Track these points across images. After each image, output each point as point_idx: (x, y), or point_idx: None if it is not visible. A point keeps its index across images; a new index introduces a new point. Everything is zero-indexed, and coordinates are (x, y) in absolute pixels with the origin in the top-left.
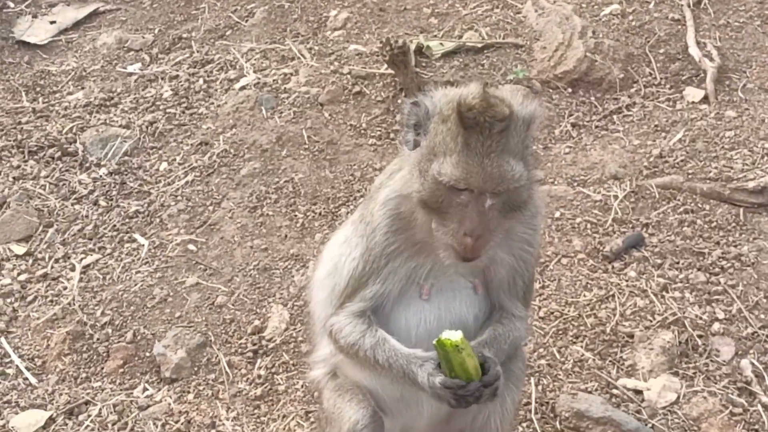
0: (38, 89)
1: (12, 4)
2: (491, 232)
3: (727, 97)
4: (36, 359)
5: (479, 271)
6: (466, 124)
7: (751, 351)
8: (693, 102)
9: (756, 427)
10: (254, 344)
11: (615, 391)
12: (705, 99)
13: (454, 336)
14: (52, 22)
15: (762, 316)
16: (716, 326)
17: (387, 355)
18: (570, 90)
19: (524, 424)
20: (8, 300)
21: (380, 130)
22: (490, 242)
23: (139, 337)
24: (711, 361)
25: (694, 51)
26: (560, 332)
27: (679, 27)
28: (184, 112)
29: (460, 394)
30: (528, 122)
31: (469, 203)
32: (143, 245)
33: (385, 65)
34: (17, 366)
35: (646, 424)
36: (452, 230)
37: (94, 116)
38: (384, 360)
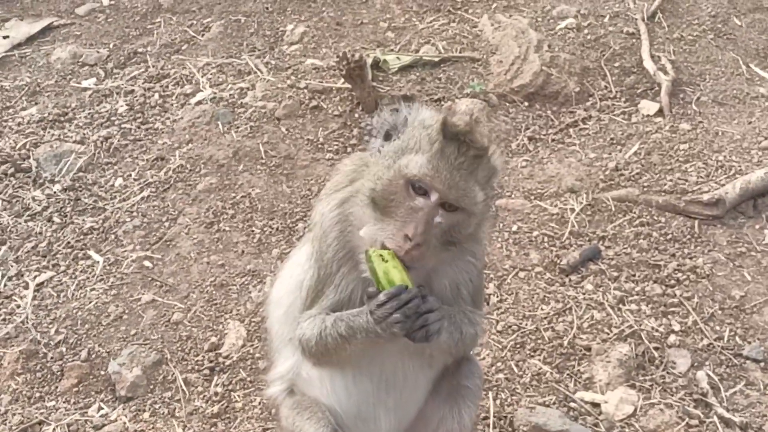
0: None
1: None
2: (427, 248)
3: (681, 110)
4: None
5: (424, 283)
6: (447, 135)
7: (707, 363)
8: (648, 115)
9: None
10: (211, 361)
11: (573, 405)
12: (660, 112)
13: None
14: (5, 37)
15: (717, 327)
16: (672, 338)
17: (345, 323)
18: (526, 103)
19: None
20: None
21: (337, 145)
22: (424, 257)
23: (93, 356)
24: (667, 373)
25: (648, 64)
26: (518, 346)
27: (634, 41)
28: (139, 128)
29: (394, 305)
30: (493, 170)
31: (420, 210)
32: (98, 262)
33: (342, 79)
34: None
35: None
36: (393, 230)
37: (48, 132)
38: (345, 328)
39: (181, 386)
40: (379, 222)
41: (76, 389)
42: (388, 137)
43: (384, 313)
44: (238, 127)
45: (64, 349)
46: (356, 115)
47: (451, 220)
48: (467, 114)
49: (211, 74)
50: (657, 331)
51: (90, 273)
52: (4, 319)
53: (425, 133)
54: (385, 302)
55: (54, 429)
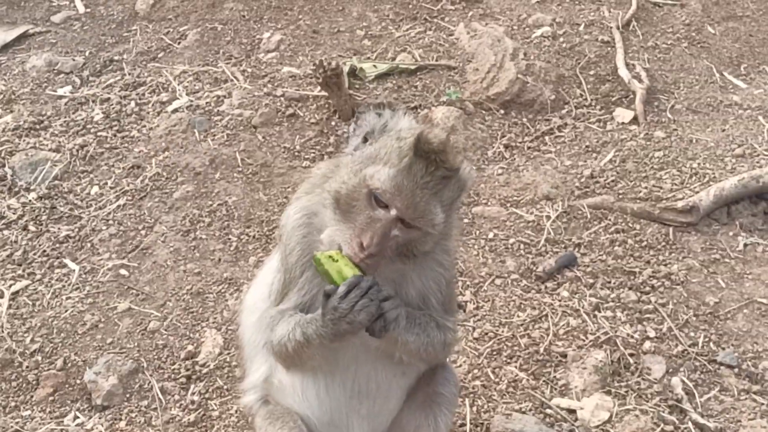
0: None
1: None
2: (382, 258)
3: (656, 118)
4: None
5: (392, 289)
6: (418, 152)
7: (682, 369)
8: (623, 123)
9: None
10: (187, 369)
11: (549, 411)
12: (635, 120)
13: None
14: None
15: (692, 334)
16: (647, 345)
17: (301, 328)
18: (502, 111)
19: None
20: None
21: (314, 153)
22: (377, 266)
23: (69, 365)
24: (642, 379)
25: (623, 72)
26: (494, 353)
27: (609, 49)
28: (115, 135)
29: (357, 293)
30: (462, 187)
31: (379, 221)
32: (74, 270)
33: (319, 87)
34: None
35: None
36: (350, 234)
37: (24, 140)
38: (301, 336)
39: (157, 395)
40: (338, 224)
41: (51, 398)
42: (366, 139)
43: (349, 303)
44: (214, 135)
45: (39, 358)
46: (333, 123)
47: (409, 235)
48: (444, 131)
49: (188, 82)
50: (632, 337)
51: (66, 281)
52: None
53: (397, 145)
54: (348, 292)
55: None
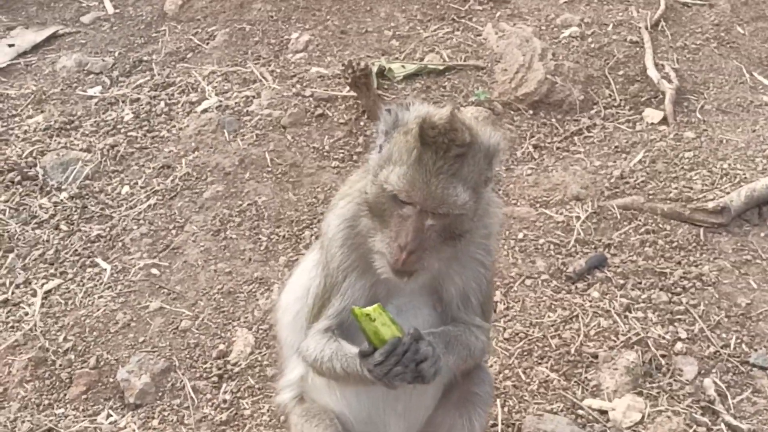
0: None
1: None
2: (426, 251)
3: (685, 119)
4: None
5: (433, 289)
6: (425, 140)
7: (714, 370)
8: (652, 123)
9: None
10: (219, 368)
11: (580, 412)
12: (664, 120)
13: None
14: (11, 45)
15: (723, 335)
16: (679, 346)
17: (340, 363)
18: (531, 112)
19: None
20: None
21: (343, 153)
22: (423, 260)
23: (102, 363)
24: (674, 380)
25: (652, 73)
26: (525, 353)
27: (638, 49)
28: (145, 135)
29: (392, 361)
30: (491, 155)
31: (410, 217)
32: (105, 270)
33: (348, 88)
34: None
35: None
36: (388, 239)
37: (55, 140)
38: (340, 368)
39: (189, 393)
40: (377, 232)
41: (84, 396)
42: (387, 135)
43: (383, 370)
44: (243, 135)
45: (72, 357)
46: (362, 123)
47: (444, 221)
48: (449, 107)
49: (217, 82)
50: (663, 338)
51: (97, 280)
52: (12, 327)
53: (404, 139)
54: (383, 361)
55: None
